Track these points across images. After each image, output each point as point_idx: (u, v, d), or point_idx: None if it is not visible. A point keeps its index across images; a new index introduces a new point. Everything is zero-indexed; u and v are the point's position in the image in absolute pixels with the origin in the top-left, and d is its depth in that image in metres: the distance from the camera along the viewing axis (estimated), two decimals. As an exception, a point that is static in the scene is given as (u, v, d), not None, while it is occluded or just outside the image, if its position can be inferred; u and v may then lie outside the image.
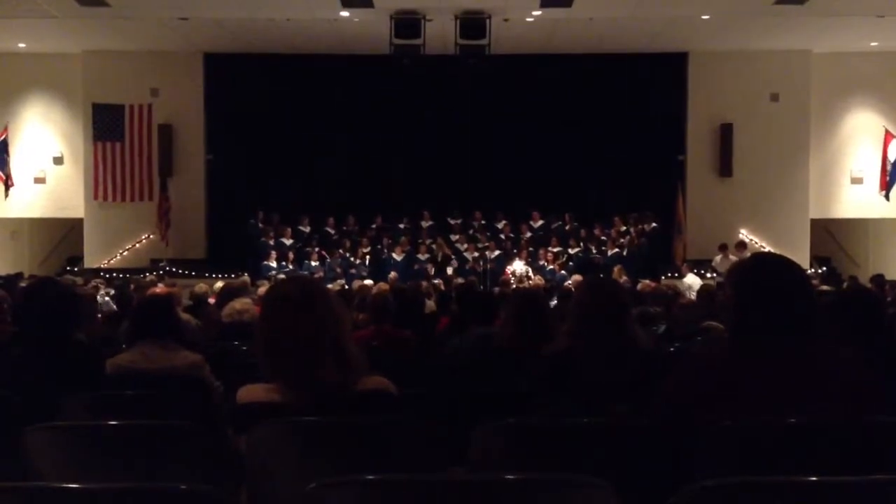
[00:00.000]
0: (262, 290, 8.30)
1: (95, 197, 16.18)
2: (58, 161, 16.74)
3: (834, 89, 16.14)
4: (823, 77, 15.94)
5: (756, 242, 15.59)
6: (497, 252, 15.39)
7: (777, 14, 13.27)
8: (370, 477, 1.63)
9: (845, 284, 11.97)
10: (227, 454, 2.41)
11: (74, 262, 16.46)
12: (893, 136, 15.93)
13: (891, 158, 15.89)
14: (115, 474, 2.29)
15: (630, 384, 3.01)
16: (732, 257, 13.54)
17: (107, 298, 9.19)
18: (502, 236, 15.88)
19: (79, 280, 9.41)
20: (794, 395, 2.24)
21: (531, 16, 13.57)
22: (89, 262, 16.07)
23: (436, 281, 13.32)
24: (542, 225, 16.13)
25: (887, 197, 15.95)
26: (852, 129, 16.52)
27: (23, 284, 8.42)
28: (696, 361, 2.49)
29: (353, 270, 14.93)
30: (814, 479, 1.69)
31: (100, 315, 6.52)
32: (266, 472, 2.30)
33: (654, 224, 15.67)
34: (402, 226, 15.97)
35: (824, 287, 9.33)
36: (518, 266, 14.73)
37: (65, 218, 16.71)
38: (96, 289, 8.77)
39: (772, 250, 13.47)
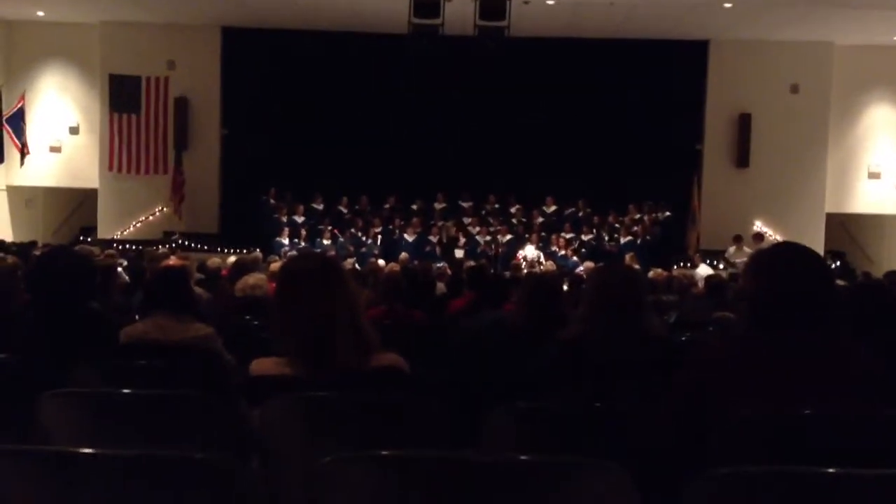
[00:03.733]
0: (273, 266, 8.31)
1: (110, 168, 16.23)
2: (74, 131, 16.79)
3: (855, 82, 15.98)
4: (845, 70, 15.78)
5: (770, 234, 15.50)
6: (509, 236, 15.36)
7: (800, 4, 13.15)
8: (385, 452, 1.63)
9: (859, 279, 11.89)
10: (238, 426, 2.42)
11: (88, 232, 16.54)
12: (913, 132, 15.80)
13: (909, 154, 15.76)
14: (128, 442, 2.30)
15: (643, 370, 3.00)
16: (747, 249, 13.48)
17: (120, 269, 9.22)
18: (514, 220, 15.84)
19: (96, 250, 9.44)
20: (811, 387, 2.22)
21: (552, -1, 13.48)
22: (102, 232, 16.14)
23: (440, 264, 13.28)
24: (555, 210, 16.08)
25: (905, 193, 15.85)
26: (872, 124, 16.37)
27: (36, 252, 8.46)
28: (713, 352, 2.47)
29: (364, 250, 14.95)
30: (830, 470, 1.68)
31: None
32: (277, 445, 2.31)
33: (668, 213, 15.61)
34: (414, 207, 15.96)
35: (839, 281, 9.26)
36: (530, 251, 14.70)
37: (79, 188, 16.78)
38: (112, 257, 8.80)
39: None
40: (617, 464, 1.68)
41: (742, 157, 16.07)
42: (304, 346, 2.49)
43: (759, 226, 15.79)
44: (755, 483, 1.66)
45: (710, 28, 15.23)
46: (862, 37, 15.22)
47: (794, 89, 15.97)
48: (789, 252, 2.45)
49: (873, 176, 16.41)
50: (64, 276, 3.57)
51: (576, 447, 2.27)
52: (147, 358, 3.24)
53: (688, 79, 15.95)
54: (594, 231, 15.56)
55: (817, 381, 2.24)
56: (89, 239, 15.48)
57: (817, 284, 2.34)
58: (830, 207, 16.18)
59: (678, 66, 15.79)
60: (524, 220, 15.85)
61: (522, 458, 1.67)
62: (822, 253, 15.02)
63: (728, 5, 13.61)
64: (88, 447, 1.77)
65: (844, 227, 16.89)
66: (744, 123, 16.02)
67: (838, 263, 15.84)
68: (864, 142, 16.42)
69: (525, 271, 12.10)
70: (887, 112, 16.26)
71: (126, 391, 2.51)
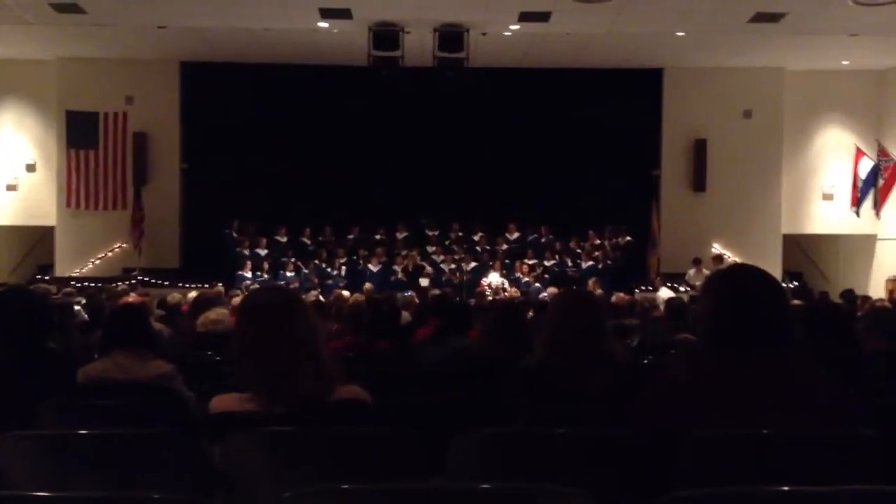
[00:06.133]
0: (235, 300, 8.24)
1: (68, 205, 16.00)
2: (30, 168, 16.54)
3: (806, 107, 16.37)
4: (796, 94, 16.17)
5: (729, 256, 15.75)
6: (473, 264, 15.41)
7: (751, 32, 13.47)
8: (345, 486, 1.62)
9: (816, 299, 12.11)
10: (200, 464, 2.38)
11: (46, 270, 16.25)
12: (864, 154, 16.19)
13: (861, 175, 16.15)
14: (88, 483, 2.26)
15: (605, 395, 3.02)
16: (706, 271, 13.66)
17: (78, 308, 9.08)
18: (478, 248, 15.91)
19: (53, 289, 9.28)
20: (770, 407, 2.26)
21: (509, 30, 13.66)
22: (61, 270, 15.87)
23: (408, 293, 13.28)
24: (518, 237, 16.18)
25: (858, 213, 16.19)
26: (824, 146, 16.76)
27: (-7, 292, 8.28)
28: (673, 374, 2.49)
29: (329, 281, 14.88)
30: (785, 488, 1.70)
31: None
32: (240, 482, 2.28)
33: (628, 238, 15.79)
34: (378, 237, 15.95)
35: (796, 301, 9.43)
36: (493, 278, 14.77)
37: (36, 225, 16.50)
38: (70, 295, 8.65)
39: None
40: (580, 490, 1.69)
41: (699, 182, 16.34)
42: (265, 379, 2.47)
43: (717, 248, 16.03)
44: None
45: (664, 56, 15.54)
46: (811, 62, 15.63)
47: (748, 114, 16.31)
48: (742, 273, 2.49)
49: (827, 197, 16.77)
50: (20, 317, 3.51)
51: (540, 473, 2.28)
52: (106, 397, 3.19)
53: (644, 106, 16.20)
54: (557, 257, 15.67)
55: (774, 400, 2.27)
56: (47, 277, 15.22)
57: (770, 304, 2.38)
58: (786, 229, 16.48)
59: (634, 94, 16.04)
60: (488, 247, 15.92)
61: (485, 486, 1.67)
62: (779, 273, 15.31)
63: (681, 34, 13.91)
64: (47, 489, 1.73)
65: (801, 247, 17.20)
66: (699, 149, 16.31)
67: (795, 283, 16.13)
68: (816, 164, 16.80)
69: (490, 298, 12.15)
70: (838, 135, 16.66)
71: (84, 431, 2.47)
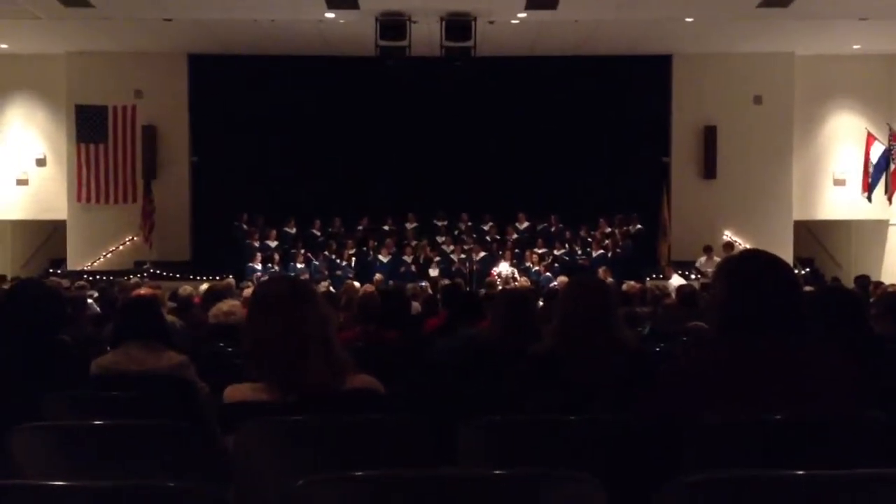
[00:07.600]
0: (247, 291, 8.27)
1: (79, 199, 16.07)
2: (41, 163, 16.62)
3: (817, 92, 16.26)
4: (806, 79, 16.07)
5: (740, 243, 15.69)
6: (483, 253, 15.41)
7: (760, 17, 13.37)
8: (358, 473, 1.63)
9: (829, 284, 12.05)
10: (213, 453, 2.40)
11: (57, 264, 16.35)
12: (875, 139, 16.06)
13: (873, 160, 16.01)
14: (101, 474, 2.27)
15: (616, 383, 3.02)
16: (717, 259, 13.61)
17: (90, 301, 9.13)
18: (488, 238, 15.91)
19: (65, 282, 9.32)
20: (778, 394, 2.25)
21: (516, 17, 13.61)
22: (72, 264, 15.96)
23: (423, 283, 13.31)
24: (527, 226, 16.17)
25: (869, 198, 16.08)
26: (835, 131, 16.65)
27: (5, 287, 8.34)
28: (682, 363, 2.49)
29: (339, 272, 14.92)
30: (800, 472, 1.70)
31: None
32: (253, 471, 2.30)
33: (639, 226, 15.75)
34: (387, 227, 15.97)
35: (807, 287, 9.39)
36: (504, 267, 14.76)
37: (48, 220, 16.59)
38: (83, 289, 8.71)
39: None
40: (590, 474, 1.69)
41: (709, 169, 16.27)
42: (277, 369, 2.49)
43: (728, 235, 15.97)
44: (724, 488, 1.68)
45: (673, 42, 15.45)
46: (821, 46, 15.51)
47: (758, 100, 16.21)
48: (755, 259, 2.48)
49: (838, 183, 16.67)
50: (32, 309, 3.53)
51: (550, 460, 2.29)
52: (119, 388, 3.21)
53: (653, 93, 16.13)
54: (567, 246, 15.65)
55: (783, 387, 2.26)
56: (59, 271, 15.30)
57: (783, 290, 2.37)
58: (798, 215, 16.40)
59: (643, 81, 15.97)
60: (498, 237, 15.92)
61: (497, 472, 1.68)
62: (791, 260, 15.23)
63: (689, 20, 13.82)
64: (61, 480, 1.75)
65: (812, 233, 17.12)
66: (710, 135, 16.23)
67: (808, 270, 16.05)
68: (828, 150, 16.69)
69: (500, 288, 12.14)
70: (849, 120, 16.55)
71: (97, 422, 2.49)
